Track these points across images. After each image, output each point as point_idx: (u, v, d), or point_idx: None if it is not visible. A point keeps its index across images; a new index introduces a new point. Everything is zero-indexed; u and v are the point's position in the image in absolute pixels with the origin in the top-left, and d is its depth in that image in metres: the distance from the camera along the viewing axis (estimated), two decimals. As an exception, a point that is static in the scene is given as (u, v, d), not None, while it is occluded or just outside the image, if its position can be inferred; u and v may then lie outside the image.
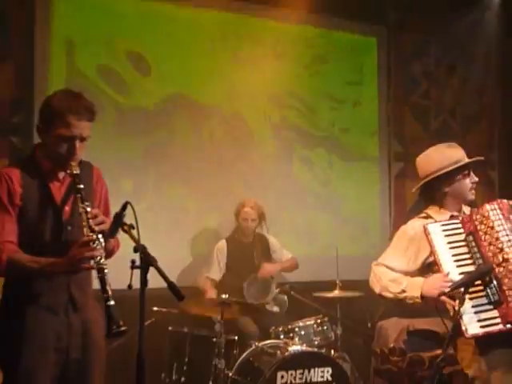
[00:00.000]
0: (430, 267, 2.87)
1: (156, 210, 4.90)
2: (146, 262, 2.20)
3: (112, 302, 2.29)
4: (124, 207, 2.30)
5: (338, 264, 4.51)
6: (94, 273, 2.35)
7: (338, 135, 5.77)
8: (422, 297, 2.75)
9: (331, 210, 5.66)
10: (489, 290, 2.64)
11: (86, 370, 2.52)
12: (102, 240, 2.35)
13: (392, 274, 2.89)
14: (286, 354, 3.90)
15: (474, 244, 2.74)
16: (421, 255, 2.89)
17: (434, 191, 2.97)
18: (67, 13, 4.69)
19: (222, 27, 5.25)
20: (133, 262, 2.19)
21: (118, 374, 2.72)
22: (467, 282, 2.59)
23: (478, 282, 2.64)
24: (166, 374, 4.17)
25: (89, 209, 2.37)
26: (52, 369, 2.44)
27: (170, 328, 4.20)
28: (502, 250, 2.68)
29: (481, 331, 2.59)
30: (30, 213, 2.44)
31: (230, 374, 3.90)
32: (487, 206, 2.78)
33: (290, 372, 3.81)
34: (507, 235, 2.70)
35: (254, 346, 4.02)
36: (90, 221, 2.35)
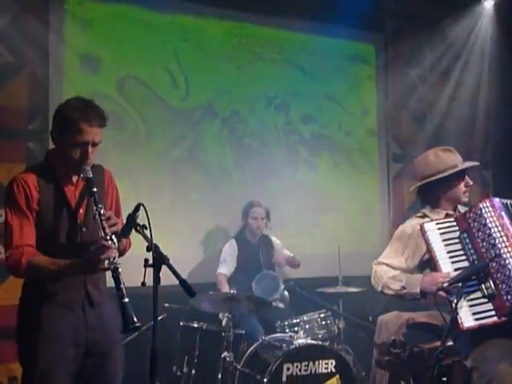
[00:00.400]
0: (427, 264, 2.93)
1: (170, 211, 4.96)
2: (159, 260, 2.26)
3: (126, 300, 2.35)
4: (137, 208, 2.37)
5: (340, 261, 4.59)
6: (108, 271, 2.40)
7: (340, 138, 5.83)
8: (422, 293, 2.82)
9: (334, 209, 5.69)
10: (483, 285, 2.69)
11: (104, 365, 2.56)
12: (115, 241, 2.40)
13: (392, 271, 2.94)
14: (292, 346, 3.98)
15: (468, 241, 2.79)
16: (418, 253, 2.94)
17: (430, 193, 3.03)
18: (82, 21, 4.71)
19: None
20: (146, 260, 2.25)
21: (131, 366, 2.79)
22: (464, 278, 2.66)
23: (473, 277, 2.69)
24: (177, 367, 4.24)
25: (102, 211, 2.41)
26: (70, 364, 2.48)
27: (181, 323, 4.26)
28: (494, 245, 2.71)
29: (476, 324, 2.64)
30: (47, 216, 2.48)
31: (239, 367, 3.98)
32: (480, 205, 2.80)
33: (295, 364, 3.90)
34: (499, 231, 2.73)
35: (260, 340, 4.09)
36: (104, 222, 2.38)
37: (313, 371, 3.93)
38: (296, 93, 5.63)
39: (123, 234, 2.45)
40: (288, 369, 3.89)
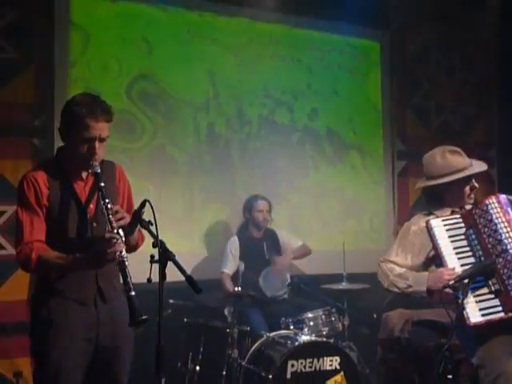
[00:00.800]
0: (433, 261, 2.94)
1: (175, 208, 4.97)
2: (165, 256, 2.28)
3: (133, 293, 2.36)
4: (143, 205, 2.40)
5: (345, 258, 4.58)
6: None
7: (344, 135, 5.81)
8: (428, 291, 2.83)
9: (338, 206, 5.69)
10: (489, 281, 2.70)
11: (115, 359, 2.58)
12: (122, 234, 2.40)
13: (398, 269, 2.97)
14: (296, 343, 3.96)
15: (474, 237, 2.80)
16: (424, 250, 2.95)
17: (435, 194, 3.05)
18: (87, 15, 4.71)
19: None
20: (152, 256, 2.27)
21: (136, 362, 2.79)
22: (471, 275, 2.67)
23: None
24: (182, 363, 4.24)
25: (110, 205, 2.42)
26: (82, 358, 2.51)
27: (185, 320, 4.26)
28: (500, 241, 2.72)
29: (483, 319, 2.64)
30: (57, 212, 2.51)
31: (243, 363, 3.98)
32: (486, 201, 2.81)
33: (300, 361, 3.88)
34: (505, 227, 2.74)
35: (265, 337, 4.09)
36: (111, 217, 2.40)
37: (317, 368, 3.92)
38: (301, 90, 5.61)
39: (129, 228, 2.47)
40: (292, 365, 3.87)
